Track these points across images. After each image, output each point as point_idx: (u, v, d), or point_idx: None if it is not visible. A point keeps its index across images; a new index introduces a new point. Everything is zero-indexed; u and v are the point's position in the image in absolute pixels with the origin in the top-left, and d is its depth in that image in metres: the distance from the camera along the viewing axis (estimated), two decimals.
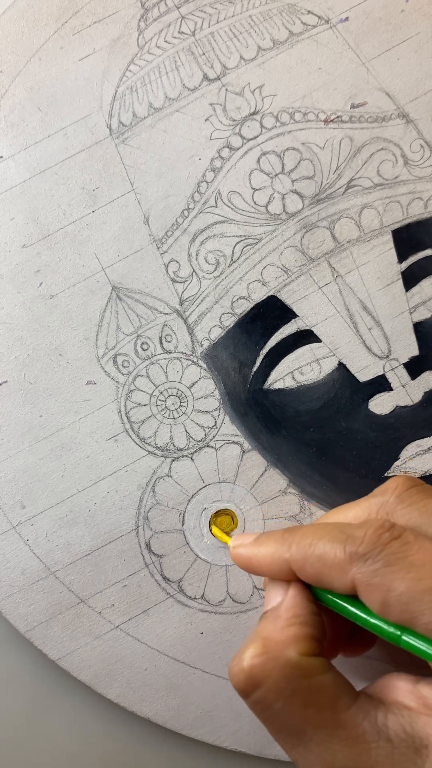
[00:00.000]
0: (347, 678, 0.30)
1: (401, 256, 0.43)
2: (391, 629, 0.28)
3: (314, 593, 0.32)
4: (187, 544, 0.42)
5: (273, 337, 0.43)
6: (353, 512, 0.33)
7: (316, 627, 0.30)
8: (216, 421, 0.43)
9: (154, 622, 0.42)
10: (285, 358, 0.43)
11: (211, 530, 0.42)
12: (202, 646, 0.42)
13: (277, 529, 0.33)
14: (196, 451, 0.43)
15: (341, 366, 0.43)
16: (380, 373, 0.43)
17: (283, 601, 0.31)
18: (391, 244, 0.43)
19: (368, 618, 0.29)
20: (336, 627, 0.34)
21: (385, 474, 0.42)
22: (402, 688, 0.29)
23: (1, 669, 0.43)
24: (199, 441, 0.43)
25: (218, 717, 0.42)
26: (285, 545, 0.31)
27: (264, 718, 0.29)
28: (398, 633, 0.28)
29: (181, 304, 0.43)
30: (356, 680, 0.32)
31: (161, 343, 0.43)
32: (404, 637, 0.28)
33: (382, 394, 0.42)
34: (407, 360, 0.42)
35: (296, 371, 0.43)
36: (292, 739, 0.28)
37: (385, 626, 0.28)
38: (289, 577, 0.31)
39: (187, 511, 0.42)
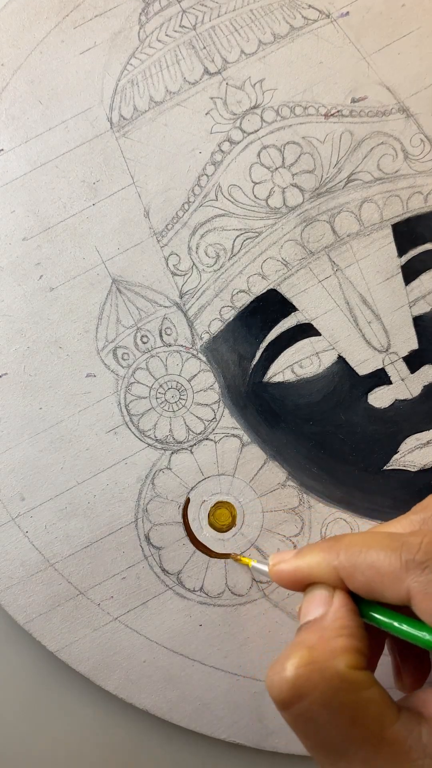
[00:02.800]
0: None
1: (401, 250, 0.43)
2: None
3: (360, 610, 0.30)
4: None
5: (273, 331, 0.43)
6: (392, 529, 0.32)
7: (363, 640, 0.29)
8: (215, 414, 0.43)
9: (152, 614, 0.42)
10: (284, 352, 0.43)
11: (234, 558, 0.42)
12: (200, 639, 0.42)
13: (318, 541, 0.32)
14: (195, 444, 0.43)
15: (341, 359, 0.43)
16: (380, 367, 0.43)
17: (328, 611, 0.30)
18: (391, 238, 0.43)
19: (417, 633, 0.28)
20: (373, 647, 0.33)
21: (384, 467, 0.42)
22: None
23: (0, 660, 0.43)
24: (199, 434, 0.43)
25: (216, 709, 0.41)
26: (332, 553, 0.30)
27: (304, 731, 0.28)
28: None
29: (181, 297, 0.43)
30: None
31: (161, 336, 0.43)
32: None
33: (382, 387, 0.43)
34: (407, 354, 0.42)
35: (296, 364, 0.43)
36: (333, 755, 0.27)
37: None
38: (337, 587, 0.30)
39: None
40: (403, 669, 0.34)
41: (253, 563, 0.39)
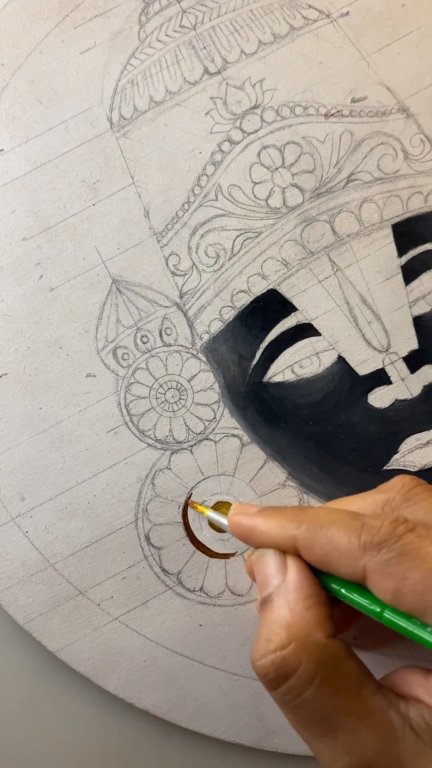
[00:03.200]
0: None
1: (401, 250, 0.43)
2: (406, 623, 0.28)
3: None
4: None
5: (273, 331, 0.43)
6: (356, 505, 0.33)
7: (328, 605, 0.30)
8: (215, 414, 0.43)
9: (152, 614, 0.42)
10: (284, 352, 0.43)
11: (191, 505, 0.42)
12: (200, 639, 0.42)
13: (283, 506, 0.33)
14: (195, 444, 0.43)
15: (340, 359, 0.43)
16: (379, 367, 0.43)
17: (287, 579, 0.31)
18: (391, 238, 0.43)
19: (365, 603, 0.29)
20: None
21: (384, 467, 0.42)
22: (415, 683, 0.29)
23: (0, 660, 0.43)
24: (199, 434, 0.43)
25: (216, 709, 0.41)
26: (294, 522, 0.31)
27: (292, 708, 0.28)
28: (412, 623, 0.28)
29: (181, 297, 0.43)
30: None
31: (161, 336, 0.43)
32: (415, 631, 0.28)
33: (382, 387, 0.42)
34: (406, 354, 0.42)
35: (296, 364, 0.43)
36: (320, 729, 0.28)
37: (399, 621, 0.28)
38: (291, 552, 0.31)
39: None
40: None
41: (208, 512, 0.40)
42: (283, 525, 0.31)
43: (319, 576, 0.31)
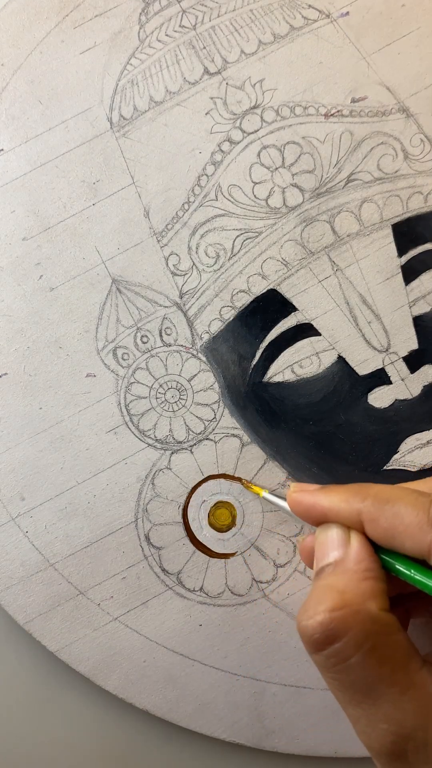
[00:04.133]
0: None
1: (401, 250, 0.43)
2: None
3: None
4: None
5: (272, 331, 0.43)
6: (420, 488, 0.32)
7: (386, 583, 0.30)
8: (215, 414, 0.43)
9: (152, 614, 0.42)
10: (284, 352, 0.43)
11: (249, 488, 0.42)
12: (200, 639, 0.42)
13: (341, 485, 0.33)
14: (195, 444, 0.43)
15: (340, 359, 0.43)
16: (379, 367, 0.43)
17: (348, 553, 0.30)
18: (391, 238, 0.43)
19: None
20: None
21: (384, 467, 0.42)
22: None
23: (0, 660, 0.43)
24: (199, 434, 0.43)
25: (216, 709, 0.41)
26: (359, 496, 0.31)
27: (335, 672, 0.28)
28: None
29: (181, 297, 0.43)
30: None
31: (161, 335, 0.43)
32: None
33: (382, 387, 0.42)
34: (406, 354, 0.42)
35: (295, 364, 0.43)
36: (360, 695, 0.28)
37: None
38: (353, 527, 0.31)
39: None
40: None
41: (264, 493, 0.40)
42: (348, 499, 0.31)
43: (381, 555, 0.31)
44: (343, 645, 0.28)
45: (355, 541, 0.31)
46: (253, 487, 0.41)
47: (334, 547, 0.31)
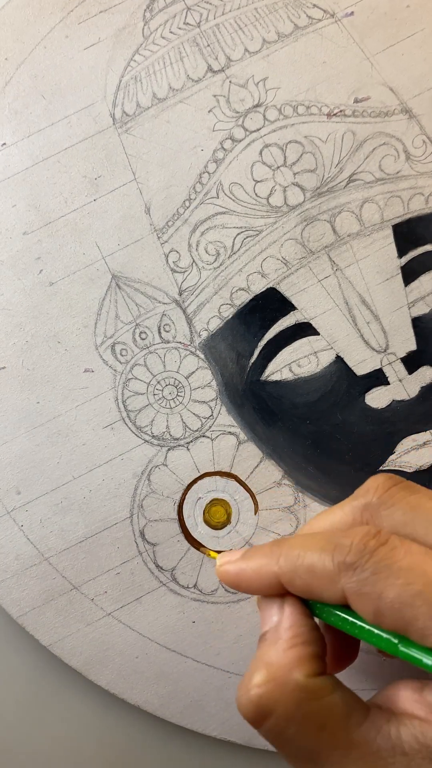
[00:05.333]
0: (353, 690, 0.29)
1: (401, 251, 0.43)
2: (388, 637, 0.28)
3: (309, 607, 0.31)
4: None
5: (271, 329, 0.43)
6: (338, 516, 0.32)
7: (318, 644, 0.29)
8: (212, 412, 0.43)
9: (146, 610, 0.42)
10: (282, 350, 0.43)
11: (207, 554, 0.42)
12: (193, 635, 0.42)
13: (264, 543, 0.32)
14: (192, 441, 0.43)
15: (339, 359, 0.43)
16: (377, 367, 0.42)
17: (281, 620, 0.30)
18: (392, 239, 0.43)
19: (364, 628, 0.28)
20: (335, 639, 0.33)
21: (381, 468, 0.42)
22: (409, 698, 0.28)
23: None
24: (196, 431, 0.43)
25: (208, 706, 0.41)
26: (273, 558, 0.30)
27: (278, 745, 0.28)
28: (395, 641, 0.27)
29: (180, 294, 0.43)
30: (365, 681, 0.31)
31: (160, 332, 0.43)
32: (401, 648, 0.27)
33: (379, 388, 0.42)
34: (405, 354, 0.42)
35: (293, 363, 0.43)
36: (309, 764, 0.27)
37: (383, 635, 0.28)
38: (280, 591, 0.30)
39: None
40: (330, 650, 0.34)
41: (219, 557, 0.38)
42: (265, 564, 0.30)
43: (324, 610, 0.30)
44: (276, 720, 0.27)
45: (288, 606, 0.30)
46: (210, 553, 0.42)
47: (271, 614, 0.31)
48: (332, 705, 0.28)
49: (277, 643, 0.29)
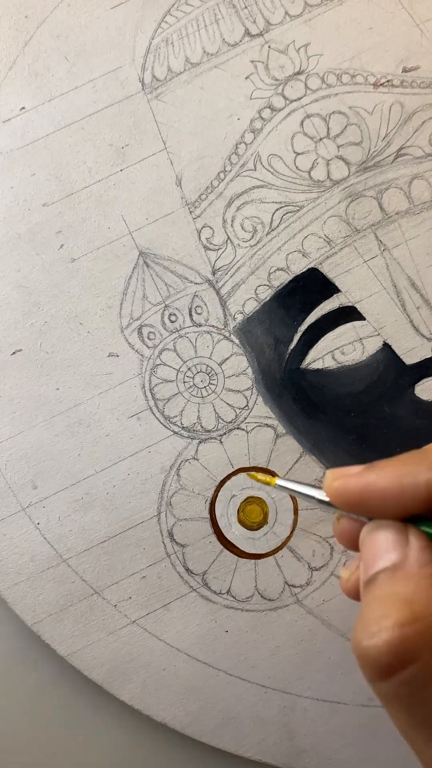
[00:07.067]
0: None
1: None
2: None
3: None
4: None
5: (313, 313, 0.41)
6: None
7: None
8: (248, 402, 0.41)
9: (174, 618, 0.40)
10: (325, 336, 0.41)
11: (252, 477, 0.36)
12: (226, 646, 0.40)
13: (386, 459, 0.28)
14: (225, 433, 0.41)
15: (386, 347, 0.41)
16: (428, 356, 0.41)
17: (408, 555, 0.25)
18: None
19: None
20: None
21: None
22: None
23: (6, 664, 0.42)
24: (229, 422, 0.41)
25: (242, 724, 0.40)
26: (423, 465, 0.25)
27: (408, 703, 0.24)
28: None
29: (213, 273, 0.41)
30: None
31: (191, 315, 0.41)
32: None
33: (430, 378, 0.41)
34: None
35: (337, 351, 0.41)
36: None
37: None
38: (416, 512, 0.26)
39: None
40: None
41: (278, 481, 0.30)
42: (407, 472, 0.25)
43: None
44: (419, 669, 0.23)
45: (415, 540, 0.26)
46: (258, 476, 0.34)
47: (389, 548, 0.26)
48: None
49: (412, 579, 0.25)
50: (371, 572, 0.26)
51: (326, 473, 0.27)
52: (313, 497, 0.29)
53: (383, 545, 0.26)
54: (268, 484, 0.30)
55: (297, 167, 0.41)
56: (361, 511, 0.26)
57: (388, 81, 0.42)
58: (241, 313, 0.41)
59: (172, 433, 0.41)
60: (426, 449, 0.25)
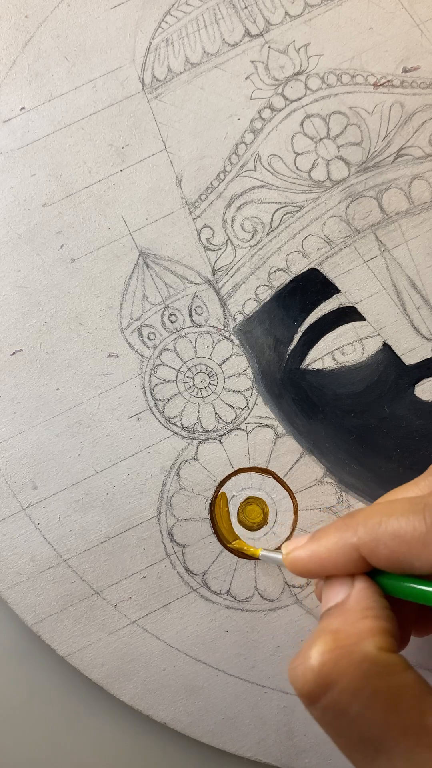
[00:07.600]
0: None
1: None
2: None
3: (383, 587, 0.29)
4: None
5: (312, 314, 0.41)
6: (410, 493, 0.30)
7: (391, 621, 0.27)
8: (248, 402, 0.41)
9: (174, 618, 0.40)
10: (325, 337, 0.41)
11: (244, 550, 0.40)
12: (226, 646, 0.40)
13: (329, 524, 0.30)
14: (225, 434, 0.41)
15: (386, 347, 0.41)
16: (428, 356, 0.41)
17: (350, 595, 0.28)
18: None
19: None
20: (404, 622, 0.31)
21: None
22: None
23: (5, 665, 0.42)
24: (229, 423, 0.41)
25: (242, 724, 0.40)
26: (350, 530, 0.28)
27: (336, 727, 0.25)
28: None
29: (213, 273, 0.41)
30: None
31: (191, 315, 0.41)
32: None
33: (430, 379, 0.41)
34: None
35: (337, 351, 0.41)
36: (371, 752, 0.25)
37: None
38: (358, 569, 0.29)
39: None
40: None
41: (262, 551, 0.38)
42: (340, 538, 0.29)
43: (406, 584, 0.28)
44: (339, 693, 0.25)
45: (359, 583, 0.29)
46: (247, 548, 0.40)
47: (337, 591, 0.29)
48: (405, 684, 0.25)
49: (345, 614, 0.27)
50: (322, 611, 0.29)
51: (283, 546, 0.32)
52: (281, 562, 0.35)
53: (334, 589, 0.29)
54: (253, 555, 0.39)
55: (297, 167, 0.41)
56: (314, 576, 0.30)
57: (388, 81, 0.42)
58: (241, 313, 0.41)
59: (172, 433, 0.40)
60: (354, 513, 0.29)
